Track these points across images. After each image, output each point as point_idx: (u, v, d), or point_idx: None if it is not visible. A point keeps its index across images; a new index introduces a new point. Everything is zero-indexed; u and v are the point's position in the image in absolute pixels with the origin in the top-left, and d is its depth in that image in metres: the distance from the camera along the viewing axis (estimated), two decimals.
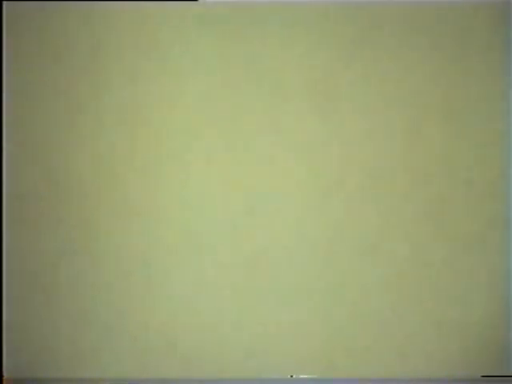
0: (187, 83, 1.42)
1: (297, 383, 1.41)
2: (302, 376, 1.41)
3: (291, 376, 1.40)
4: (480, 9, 1.42)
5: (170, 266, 1.41)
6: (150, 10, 1.43)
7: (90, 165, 1.42)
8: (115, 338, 1.41)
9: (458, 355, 1.41)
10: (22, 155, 1.42)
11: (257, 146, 1.42)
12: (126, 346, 1.41)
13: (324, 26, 1.42)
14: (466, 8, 1.42)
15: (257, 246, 1.41)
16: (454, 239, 1.41)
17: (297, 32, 1.42)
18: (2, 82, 1.42)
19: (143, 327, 1.41)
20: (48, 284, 1.42)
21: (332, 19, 1.42)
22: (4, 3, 1.42)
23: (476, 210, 1.41)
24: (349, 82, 1.42)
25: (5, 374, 1.41)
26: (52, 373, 1.41)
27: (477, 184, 1.41)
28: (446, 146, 1.42)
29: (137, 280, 1.41)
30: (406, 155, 1.42)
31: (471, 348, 1.41)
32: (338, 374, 1.41)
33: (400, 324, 1.41)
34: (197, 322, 1.41)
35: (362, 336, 1.41)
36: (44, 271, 1.42)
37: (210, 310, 1.41)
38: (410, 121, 1.42)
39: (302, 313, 1.41)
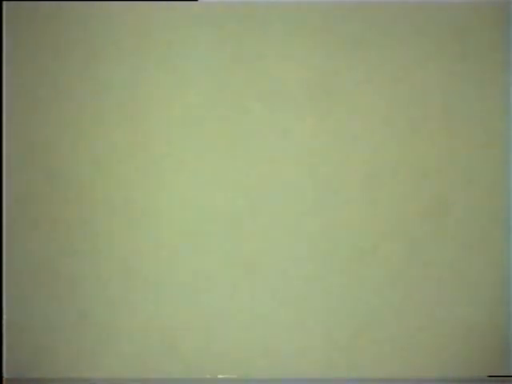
0: (187, 83, 1.42)
1: (297, 383, 1.41)
2: (301, 376, 1.41)
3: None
4: (480, 9, 1.42)
5: (169, 266, 1.41)
6: (149, 9, 1.42)
7: (90, 165, 1.42)
8: (115, 338, 1.41)
9: (459, 355, 1.41)
10: (21, 155, 1.42)
11: (257, 146, 1.42)
12: (126, 345, 1.41)
13: (324, 25, 1.42)
14: (466, 8, 1.42)
15: (257, 246, 1.41)
16: (454, 239, 1.41)
17: (297, 32, 1.42)
18: (2, 82, 1.42)
19: (143, 327, 1.41)
20: (48, 284, 1.42)
21: (332, 19, 1.42)
22: (4, 3, 1.43)
23: (476, 209, 1.41)
24: (349, 82, 1.42)
25: (5, 374, 1.41)
26: (52, 373, 1.41)
27: (477, 184, 1.41)
28: (446, 146, 1.41)
29: (137, 280, 1.41)
30: (406, 155, 1.41)
31: (472, 348, 1.41)
32: (338, 374, 1.41)
33: (400, 324, 1.41)
34: (197, 322, 1.41)
35: (362, 336, 1.41)
36: (44, 271, 1.42)
37: (210, 310, 1.41)
38: (410, 120, 1.42)
39: (302, 313, 1.41)
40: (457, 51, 1.42)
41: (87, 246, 1.41)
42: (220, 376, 1.41)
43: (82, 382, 1.41)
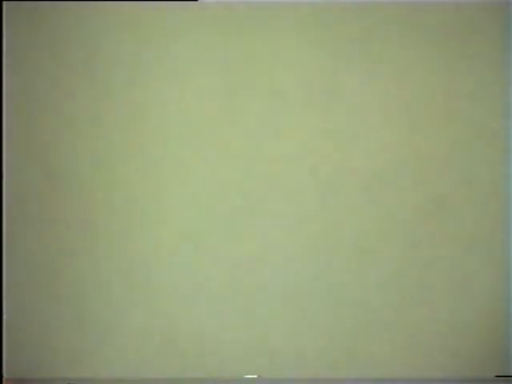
0: (186, 83, 1.42)
1: (297, 383, 1.41)
2: (301, 376, 1.41)
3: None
4: (481, 8, 1.42)
5: (170, 266, 1.41)
6: (149, 9, 1.42)
7: (90, 165, 1.42)
8: (115, 337, 1.41)
9: (459, 355, 1.41)
10: (21, 155, 1.43)
11: (257, 145, 1.42)
12: (126, 346, 1.41)
13: (325, 25, 1.42)
14: (466, 8, 1.42)
15: (257, 246, 1.41)
16: (454, 239, 1.41)
17: (297, 32, 1.42)
18: (2, 83, 1.42)
19: (143, 327, 1.41)
20: (48, 284, 1.42)
21: (333, 19, 1.42)
22: (4, 3, 1.43)
23: (476, 210, 1.41)
24: (349, 82, 1.42)
25: (5, 374, 1.41)
26: (52, 373, 1.41)
27: (477, 184, 1.41)
28: (446, 146, 1.41)
29: (137, 280, 1.41)
30: (405, 155, 1.41)
31: (472, 348, 1.41)
32: (338, 374, 1.41)
33: (400, 324, 1.41)
34: (197, 321, 1.41)
35: (363, 336, 1.41)
36: (44, 271, 1.42)
37: (210, 309, 1.41)
38: (409, 120, 1.42)
39: (301, 313, 1.41)
40: (457, 51, 1.41)
41: (87, 246, 1.42)
42: (220, 376, 1.41)
43: (82, 381, 1.41)
